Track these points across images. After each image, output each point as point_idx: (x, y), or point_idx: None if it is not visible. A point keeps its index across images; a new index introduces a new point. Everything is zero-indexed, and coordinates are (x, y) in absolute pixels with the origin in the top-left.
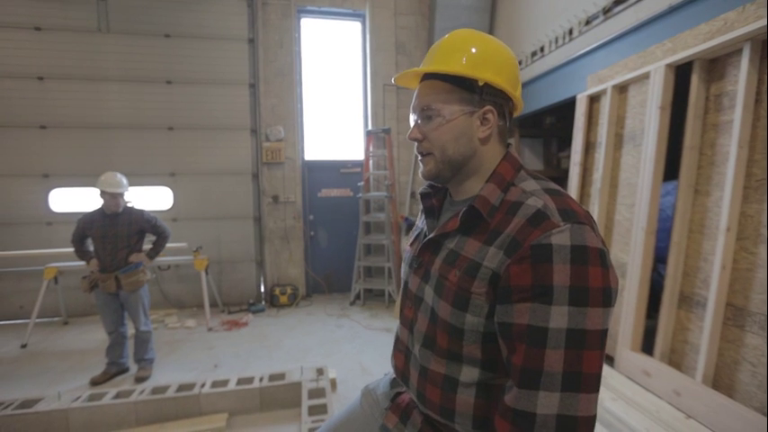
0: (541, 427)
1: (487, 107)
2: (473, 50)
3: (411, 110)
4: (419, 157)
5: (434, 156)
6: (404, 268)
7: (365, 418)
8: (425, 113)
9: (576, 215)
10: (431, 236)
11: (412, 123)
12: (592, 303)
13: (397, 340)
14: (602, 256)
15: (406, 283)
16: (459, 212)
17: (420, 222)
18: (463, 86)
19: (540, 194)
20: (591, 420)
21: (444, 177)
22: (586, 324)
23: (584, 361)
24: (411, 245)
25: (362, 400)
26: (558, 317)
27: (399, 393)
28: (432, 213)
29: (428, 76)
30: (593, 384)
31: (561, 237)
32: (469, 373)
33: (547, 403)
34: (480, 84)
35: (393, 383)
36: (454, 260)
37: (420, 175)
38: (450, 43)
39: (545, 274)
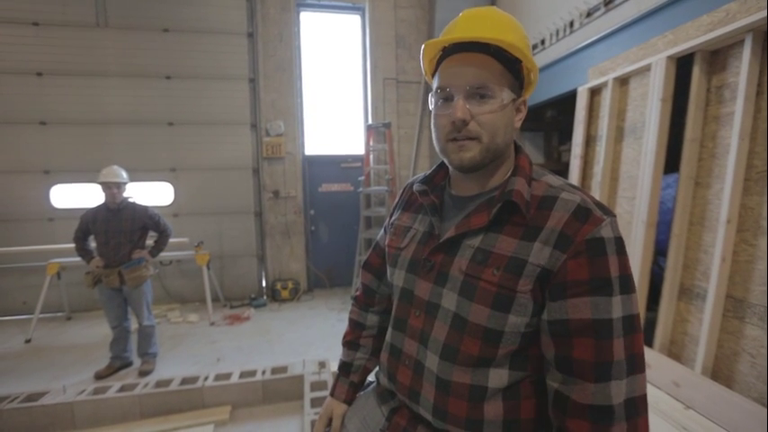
0: (619, 417)
1: (524, 97)
2: (519, 32)
3: (445, 84)
4: (455, 142)
5: (481, 142)
6: (397, 274)
7: (371, 409)
8: (480, 92)
9: (608, 209)
10: (449, 235)
11: (441, 100)
12: (633, 289)
13: (401, 354)
14: (625, 246)
15: (406, 290)
16: (483, 208)
17: (411, 223)
18: (512, 70)
19: (570, 189)
20: (646, 397)
21: (482, 165)
22: (633, 309)
23: (637, 343)
24: (403, 247)
25: (347, 422)
26: (617, 306)
27: (395, 409)
28: (434, 211)
29: (473, 49)
30: (643, 363)
31: (607, 230)
32: (498, 378)
33: (618, 392)
34: (531, 75)
35: (381, 399)
36: (486, 259)
37: (453, 162)
38: (497, 16)
39: (602, 267)
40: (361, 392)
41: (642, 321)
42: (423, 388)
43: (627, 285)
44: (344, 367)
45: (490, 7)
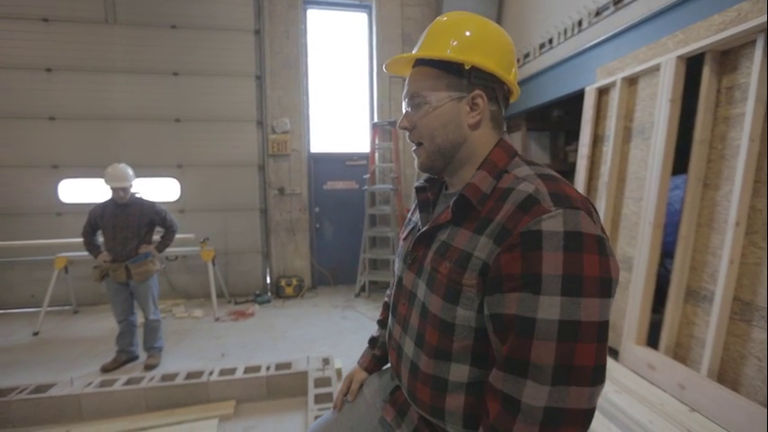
0: (527, 415)
1: (477, 92)
2: (465, 33)
3: (402, 98)
4: (413, 150)
5: (424, 146)
6: (397, 264)
7: (367, 406)
8: (414, 101)
9: (569, 199)
10: (424, 229)
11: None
12: (587, 293)
13: (390, 337)
14: (599, 243)
15: (400, 279)
16: (450, 204)
17: (413, 216)
18: (451, 71)
19: (533, 179)
20: (582, 413)
21: (437, 168)
22: (580, 315)
23: (577, 354)
24: (404, 239)
25: (365, 387)
26: (548, 307)
27: (398, 387)
28: (426, 207)
29: (419, 63)
30: (586, 377)
31: (552, 222)
32: (459, 372)
33: (534, 394)
34: (467, 67)
35: (393, 375)
36: (445, 252)
37: (415, 168)
38: (441, 27)
39: (535, 263)
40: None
41: (647, 323)
42: (401, 371)
43: (574, 287)
44: (372, 341)
45: (441, 20)
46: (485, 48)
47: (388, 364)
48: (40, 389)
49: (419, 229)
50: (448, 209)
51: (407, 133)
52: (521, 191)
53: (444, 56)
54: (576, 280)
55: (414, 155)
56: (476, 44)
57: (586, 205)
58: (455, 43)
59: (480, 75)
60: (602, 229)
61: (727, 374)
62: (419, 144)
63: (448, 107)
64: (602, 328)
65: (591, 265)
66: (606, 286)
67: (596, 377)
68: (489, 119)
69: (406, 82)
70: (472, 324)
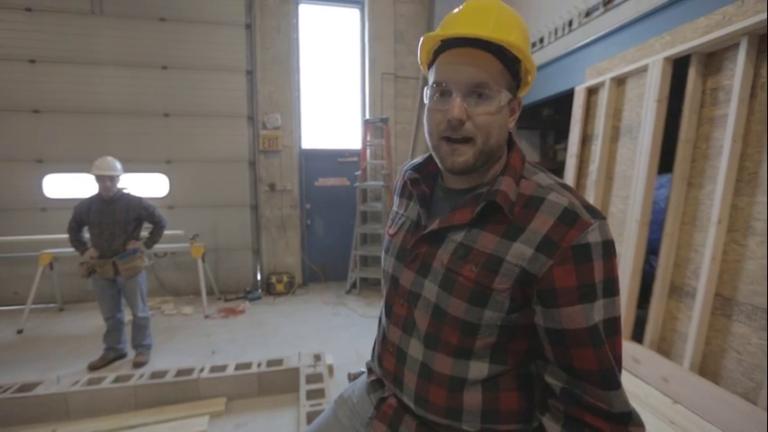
0: (619, 423)
1: (519, 97)
2: (522, 30)
3: (443, 79)
4: (449, 143)
5: (475, 144)
6: (387, 260)
7: (343, 430)
8: (479, 91)
9: (597, 211)
10: (433, 227)
11: (437, 95)
12: (616, 292)
13: (385, 340)
14: (614, 248)
15: (394, 277)
16: (467, 204)
17: (403, 210)
18: (510, 69)
19: (560, 190)
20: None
21: (474, 169)
22: (615, 311)
23: (617, 345)
24: (393, 234)
25: (338, 410)
26: (599, 310)
27: (384, 399)
28: (424, 201)
29: (473, 46)
30: (619, 369)
31: (594, 235)
32: (478, 370)
33: (616, 401)
34: (528, 77)
35: (373, 387)
36: (466, 254)
37: (446, 165)
38: (503, 12)
39: (588, 274)
40: (353, 381)
41: (632, 318)
42: (404, 375)
43: (610, 288)
44: None
45: (497, 2)
46: (529, 50)
47: (360, 379)
48: (26, 387)
49: (418, 225)
50: (465, 210)
51: (447, 125)
52: (554, 202)
53: (523, 53)
54: (610, 282)
55: (448, 150)
56: (526, 44)
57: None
58: (520, 38)
59: (524, 81)
60: None
61: (708, 368)
62: (467, 140)
63: (506, 109)
64: (620, 321)
65: (615, 267)
66: (618, 285)
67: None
68: None
69: (453, 64)
70: (498, 323)
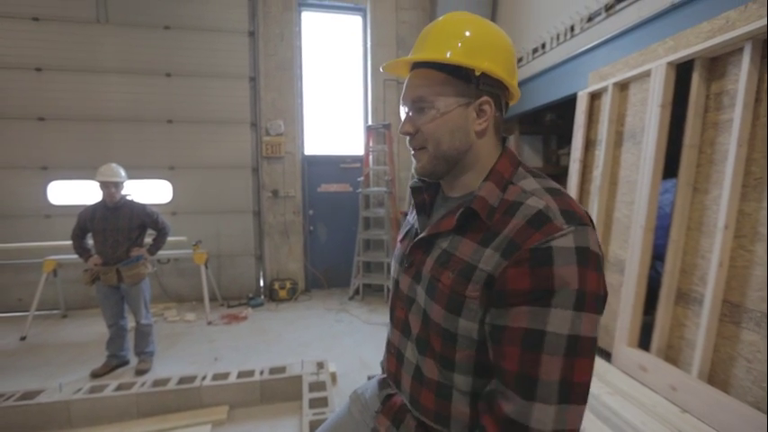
0: None
1: (484, 98)
2: (468, 35)
3: (401, 101)
4: (412, 152)
5: (428, 150)
6: (394, 266)
7: (355, 424)
8: (418, 105)
9: (578, 216)
10: (423, 234)
11: (402, 116)
12: (588, 308)
13: (389, 342)
14: (598, 261)
15: (396, 282)
16: (453, 211)
17: (411, 218)
18: (458, 76)
19: (541, 194)
20: None
21: (439, 173)
22: (584, 330)
23: (577, 369)
24: (401, 241)
25: (351, 405)
26: (559, 321)
27: (390, 395)
28: (423, 209)
29: (420, 65)
30: (583, 395)
31: (565, 240)
32: (463, 382)
33: (542, 417)
34: (477, 74)
35: (382, 385)
36: (447, 261)
37: (413, 171)
38: (444, 28)
39: (545, 278)
40: (371, 378)
41: (638, 325)
42: (402, 377)
43: (583, 302)
44: None
45: (443, 19)
46: (492, 52)
47: (374, 377)
48: (28, 395)
49: (416, 232)
50: (451, 217)
51: (407, 138)
52: (530, 206)
53: (455, 60)
54: (581, 294)
55: (413, 158)
56: (482, 48)
57: (590, 221)
58: (460, 45)
59: (488, 81)
60: (600, 246)
61: (717, 376)
62: (421, 148)
63: (456, 113)
64: (594, 344)
65: (592, 281)
66: (601, 303)
67: (587, 395)
68: (493, 125)
69: (406, 85)
70: (474, 336)
